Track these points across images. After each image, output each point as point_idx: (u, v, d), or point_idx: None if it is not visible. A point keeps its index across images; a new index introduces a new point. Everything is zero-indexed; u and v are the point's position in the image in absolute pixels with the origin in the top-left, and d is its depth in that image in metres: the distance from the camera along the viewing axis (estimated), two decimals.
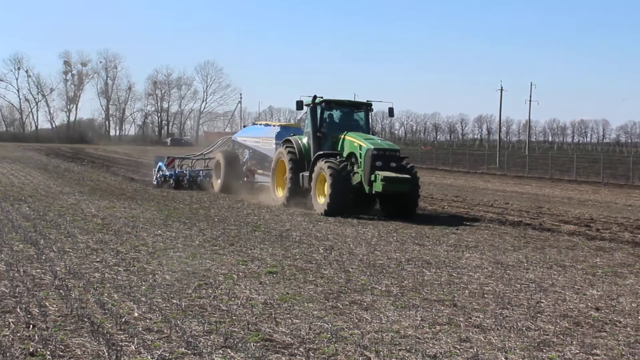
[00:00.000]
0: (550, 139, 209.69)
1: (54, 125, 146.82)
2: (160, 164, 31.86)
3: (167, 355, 7.54)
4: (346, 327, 8.84)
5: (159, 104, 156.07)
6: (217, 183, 29.61)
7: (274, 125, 30.24)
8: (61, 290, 10.16)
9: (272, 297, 10.28)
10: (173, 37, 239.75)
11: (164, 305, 9.59)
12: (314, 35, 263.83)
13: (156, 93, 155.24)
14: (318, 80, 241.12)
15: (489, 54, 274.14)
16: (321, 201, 22.32)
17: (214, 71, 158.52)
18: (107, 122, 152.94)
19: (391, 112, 25.61)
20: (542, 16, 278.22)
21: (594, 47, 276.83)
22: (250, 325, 8.72)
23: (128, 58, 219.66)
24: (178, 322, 8.72)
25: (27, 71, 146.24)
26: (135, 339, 7.99)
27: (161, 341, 7.99)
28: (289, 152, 24.23)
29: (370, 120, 25.13)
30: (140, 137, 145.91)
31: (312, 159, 23.28)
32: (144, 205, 22.37)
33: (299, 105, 24.44)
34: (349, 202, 21.99)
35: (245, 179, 29.56)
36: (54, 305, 9.32)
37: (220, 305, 9.71)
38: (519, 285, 12.00)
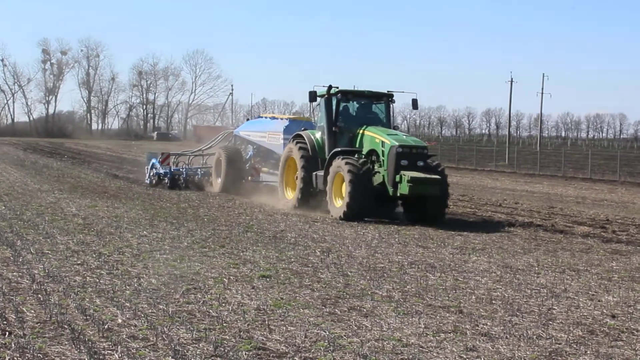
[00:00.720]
0: (563, 134, 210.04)
1: (31, 118, 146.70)
2: (153, 160, 31.04)
3: None
4: (344, 335, 8.85)
5: (144, 95, 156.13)
6: (217, 182, 28.89)
7: (281, 119, 29.27)
8: (39, 295, 10.16)
9: (266, 303, 10.29)
10: (159, 24, 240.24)
11: (150, 311, 9.59)
12: (310, 23, 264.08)
13: (141, 84, 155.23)
14: (315, 71, 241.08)
15: (498, 43, 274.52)
16: (338, 204, 21.34)
17: (204, 61, 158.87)
18: (88, 115, 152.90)
19: (415, 104, 24.50)
20: (555, 2, 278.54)
21: (611, 36, 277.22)
22: (242, 333, 8.73)
23: (111, 46, 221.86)
24: (165, 329, 8.72)
25: (2, 60, 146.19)
26: (119, 347, 8.00)
27: (146, 350, 7.99)
28: (301, 148, 23.26)
29: (391, 114, 24.04)
30: (124, 131, 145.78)
31: (328, 157, 22.24)
32: (128, 204, 22.37)
33: (312, 96, 23.22)
34: (370, 205, 21.11)
35: (249, 178, 28.83)
36: (32, 311, 9.32)
37: (210, 311, 9.72)
38: (529, 291, 12.02)
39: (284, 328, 9.05)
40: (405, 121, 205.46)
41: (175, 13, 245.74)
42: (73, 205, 21.44)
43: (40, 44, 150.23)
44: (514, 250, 16.50)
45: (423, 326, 9.43)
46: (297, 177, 23.40)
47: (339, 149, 22.09)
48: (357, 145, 22.50)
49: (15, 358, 7.54)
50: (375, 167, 21.53)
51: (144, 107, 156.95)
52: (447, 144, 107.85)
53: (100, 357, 7.66)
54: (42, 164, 43.88)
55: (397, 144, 21.03)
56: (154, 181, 30.46)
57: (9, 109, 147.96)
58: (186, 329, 8.76)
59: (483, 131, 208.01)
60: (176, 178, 29.91)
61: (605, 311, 10.81)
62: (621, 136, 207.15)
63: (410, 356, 8.16)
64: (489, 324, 9.73)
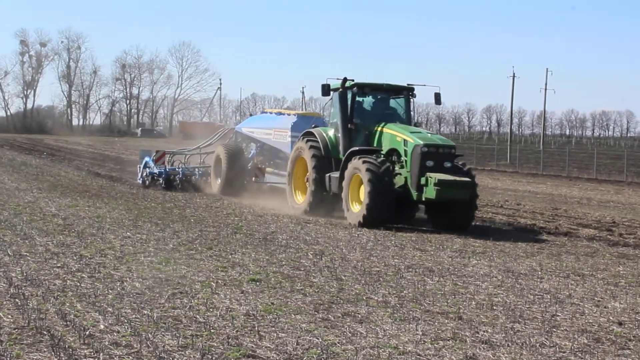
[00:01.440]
0: (567, 133, 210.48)
1: (8, 113, 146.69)
2: (147, 159, 29.97)
3: None
4: (338, 342, 8.85)
5: (127, 89, 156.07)
6: (216, 183, 28.17)
7: (288, 114, 28.20)
8: (17, 300, 10.14)
9: (255, 308, 10.29)
10: (144, 14, 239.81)
11: (134, 316, 9.58)
12: (302, 16, 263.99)
13: (125, 77, 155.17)
14: (307, 66, 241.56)
15: (499, 37, 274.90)
16: (356, 209, 20.37)
17: (191, 53, 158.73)
18: (69, 110, 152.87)
19: (438, 98, 23.61)
20: None
21: (618, 30, 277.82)
22: (230, 340, 8.72)
23: (93, 38, 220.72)
24: (149, 335, 8.71)
25: None
26: (101, 354, 7.98)
27: (130, 357, 7.98)
28: (312, 147, 22.27)
29: (412, 109, 23.01)
30: (106, 127, 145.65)
31: (344, 157, 21.27)
32: (110, 204, 22.34)
33: (325, 89, 22.20)
34: (392, 210, 20.09)
35: (253, 178, 27.95)
36: (9, 316, 9.30)
37: (197, 316, 9.71)
38: (532, 297, 12.04)
39: (275, 334, 9.04)
40: None
41: (160, 2, 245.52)
42: (52, 204, 21.40)
43: (17, 34, 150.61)
44: (516, 254, 16.53)
45: (420, 333, 9.43)
46: (307, 178, 22.59)
47: (357, 149, 21.11)
48: (375, 144, 21.53)
49: None
50: (396, 168, 20.60)
51: (128, 102, 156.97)
52: None
53: None
54: (20, 161, 43.79)
55: (422, 142, 20.01)
56: (147, 181, 29.42)
57: None
58: (172, 336, 8.75)
59: (483, 129, 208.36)
60: (171, 178, 28.94)
61: (611, 318, 10.83)
62: (628, 134, 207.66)
63: None
64: (489, 331, 9.74)
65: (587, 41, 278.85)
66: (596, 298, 12.20)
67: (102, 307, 9.90)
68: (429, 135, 21.18)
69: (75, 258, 13.35)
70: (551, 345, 9.22)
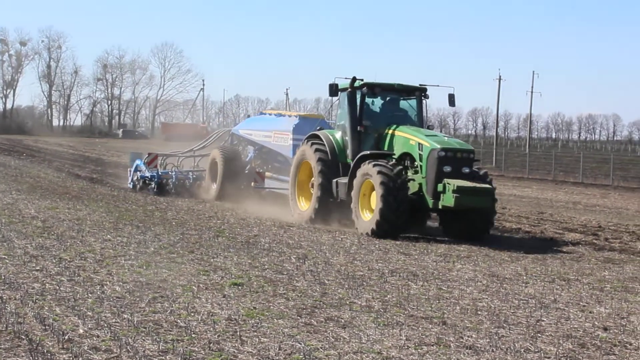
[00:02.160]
0: (553, 136, 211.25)
1: None
2: (138, 162, 29.16)
3: None
4: (321, 347, 8.85)
5: (109, 90, 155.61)
6: (212, 188, 27.37)
7: (289, 115, 27.29)
8: None
9: (237, 312, 10.28)
10: (126, 14, 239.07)
11: (114, 320, 9.55)
12: (285, 14, 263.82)
13: (106, 78, 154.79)
14: (290, 67, 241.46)
15: (485, 38, 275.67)
16: (366, 218, 19.46)
17: (173, 54, 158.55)
18: (49, 111, 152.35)
19: (452, 100, 22.25)
20: None
21: (605, 33, 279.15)
22: (211, 344, 8.71)
23: (74, 37, 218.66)
24: (129, 340, 8.69)
25: None
26: (80, 359, 7.96)
27: None
28: (317, 150, 21.32)
29: (424, 111, 22.00)
30: (87, 128, 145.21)
31: (352, 161, 20.40)
32: (91, 206, 22.27)
33: (333, 89, 21.29)
34: (405, 218, 19.10)
35: (252, 183, 26.83)
36: None
37: (178, 321, 9.69)
38: (517, 301, 12.08)
39: (257, 339, 9.04)
40: None
41: (143, 2, 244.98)
42: (32, 206, 21.32)
43: None
44: (500, 258, 16.58)
45: (404, 338, 9.44)
46: (312, 184, 21.76)
47: (367, 152, 20.19)
48: (385, 148, 20.60)
49: None
50: (409, 173, 19.67)
51: (109, 102, 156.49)
52: None
53: None
54: None
55: (439, 146, 19.06)
56: (138, 185, 28.69)
57: None
58: (152, 340, 8.73)
59: (469, 131, 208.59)
60: (164, 182, 28.12)
61: (597, 323, 10.87)
62: (615, 138, 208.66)
63: None
64: (474, 336, 9.76)
65: (573, 44, 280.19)
66: (581, 303, 12.25)
67: (81, 311, 9.87)
68: (446, 138, 20.23)
69: (54, 261, 13.30)
70: (536, 350, 9.25)
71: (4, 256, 13.52)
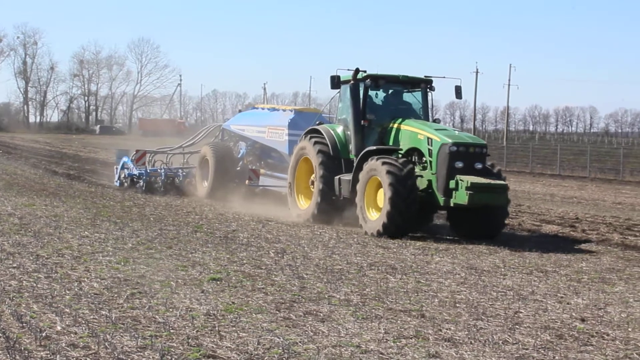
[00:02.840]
0: (531, 128, 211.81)
1: None
2: (125, 159, 28.31)
3: None
4: (300, 341, 8.86)
5: (86, 86, 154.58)
6: (202, 186, 26.33)
7: (284, 110, 26.50)
8: None
9: (216, 308, 10.27)
10: (102, 9, 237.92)
11: (91, 317, 9.52)
12: (261, 11, 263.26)
13: (83, 74, 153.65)
14: (267, 61, 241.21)
15: (462, 32, 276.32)
16: (373, 217, 18.53)
17: (150, 49, 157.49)
18: (25, 107, 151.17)
19: (458, 92, 21.33)
20: None
21: (580, 26, 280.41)
22: (190, 340, 8.70)
23: (50, 33, 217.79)
24: (107, 336, 8.66)
25: None
26: (58, 356, 7.93)
27: (88, 358, 7.93)
28: (318, 144, 20.34)
29: (430, 104, 21.15)
30: (64, 124, 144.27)
31: (356, 157, 19.53)
32: (68, 203, 22.18)
33: (335, 82, 20.55)
34: (414, 217, 18.27)
35: (246, 181, 25.60)
36: None
37: (156, 317, 9.67)
38: (495, 293, 12.13)
39: (236, 334, 9.03)
40: None
41: None
42: (8, 203, 21.21)
43: None
44: (478, 251, 16.64)
45: (383, 331, 9.47)
46: (312, 181, 20.89)
47: (373, 148, 19.19)
48: (391, 143, 19.63)
49: None
50: (417, 169, 18.77)
51: (86, 98, 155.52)
52: None
53: None
54: None
55: (450, 141, 18.17)
56: (125, 183, 27.88)
57: None
58: (130, 336, 8.71)
59: (446, 125, 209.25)
60: (153, 181, 27.21)
61: (574, 314, 10.94)
62: (591, 130, 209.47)
63: None
64: (452, 328, 9.79)
65: (550, 37, 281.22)
66: (559, 294, 12.31)
67: (59, 308, 9.83)
68: (457, 133, 19.43)
69: (31, 258, 13.24)
70: (514, 342, 9.29)
71: None
